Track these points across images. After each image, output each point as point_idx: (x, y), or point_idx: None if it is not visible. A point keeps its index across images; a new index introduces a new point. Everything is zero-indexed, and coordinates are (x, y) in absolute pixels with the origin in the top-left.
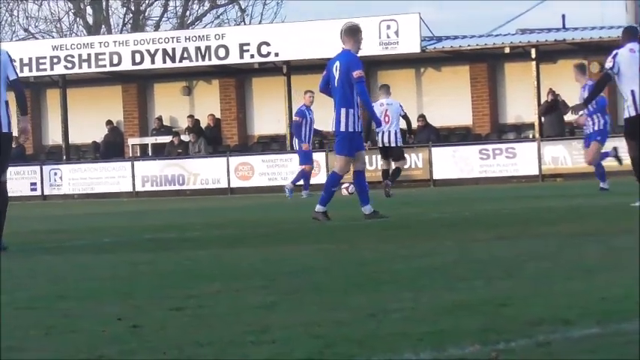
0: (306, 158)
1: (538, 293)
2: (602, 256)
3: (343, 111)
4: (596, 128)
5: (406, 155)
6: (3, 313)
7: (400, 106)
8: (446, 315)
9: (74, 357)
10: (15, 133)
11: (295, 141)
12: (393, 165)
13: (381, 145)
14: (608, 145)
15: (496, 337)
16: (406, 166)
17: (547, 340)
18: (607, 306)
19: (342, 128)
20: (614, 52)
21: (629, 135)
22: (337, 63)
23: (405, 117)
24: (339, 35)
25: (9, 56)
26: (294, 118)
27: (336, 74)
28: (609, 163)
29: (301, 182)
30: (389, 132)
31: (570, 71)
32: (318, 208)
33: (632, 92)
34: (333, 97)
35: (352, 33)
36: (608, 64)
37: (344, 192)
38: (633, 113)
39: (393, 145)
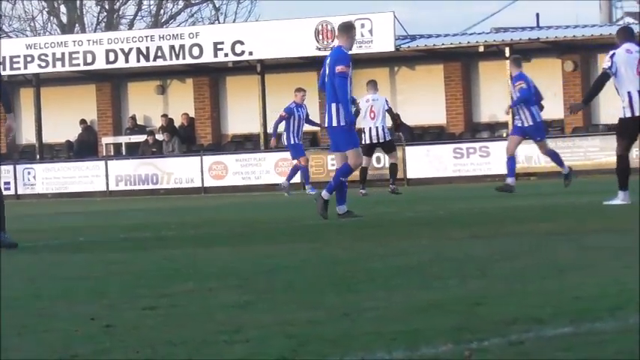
0: (297, 151)
1: (512, 292)
2: (576, 255)
3: (334, 106)
4: (526, 124)
5: (380, 155)
6: None
7: (386, 100)
8: (420, 314)
9: (48, 357)
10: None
11: (284, 135)
12: (388, 160)
13: (368, 142)
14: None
15: (469, 336)
16: (379, 165)
17: (520, 339)
18: (580, 305)
19: (335, 123)
20: (612, 52)
21: (621, 135)
22: (329, 59)
23: (390, 111)
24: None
25: None
26: (280, 113)
27: (327, 70)
28: (575, 163)
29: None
30: (376, 128)
31: (545, 69)
32: (324, 194)
33: (629, 94)
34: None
35: (345, 30)
36: (607, 63)
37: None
38: (629, 115)
39: (382, 140)
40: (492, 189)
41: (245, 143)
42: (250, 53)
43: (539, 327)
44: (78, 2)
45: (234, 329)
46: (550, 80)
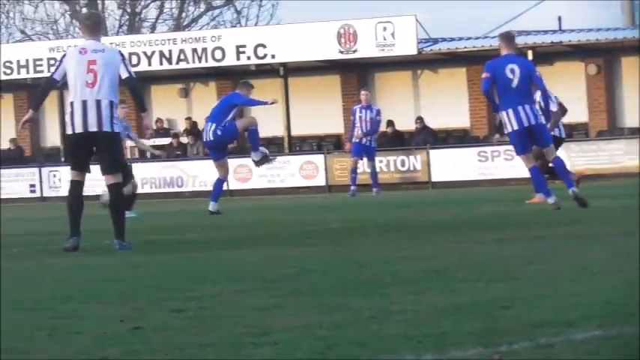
0: (355, 152)
1: (540, 295)
2: (606, 258)
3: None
4: None
5: (404, 157)
6: (5, 314)
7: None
8: (447, 317)
9: (77, 357)
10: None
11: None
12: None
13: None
14: None
15: (498, 340)
16: (404, 168)
17: (550, 342)
18: (609, 308)
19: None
20: None
21: None
22: (512, 66)
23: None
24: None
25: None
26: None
27: (512, 75)
28: (599, 166)
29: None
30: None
31: (568, 73)
32: (573, 190)
33: None
34: (498, 98)
35: (510, 40)
36: None
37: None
38: None
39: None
40: (518, 192)
41: (269, 146)
42: (273, 56)
43: (569, 330)
44: (100, 5)
45: (262, 332)
46: (573, 84)
